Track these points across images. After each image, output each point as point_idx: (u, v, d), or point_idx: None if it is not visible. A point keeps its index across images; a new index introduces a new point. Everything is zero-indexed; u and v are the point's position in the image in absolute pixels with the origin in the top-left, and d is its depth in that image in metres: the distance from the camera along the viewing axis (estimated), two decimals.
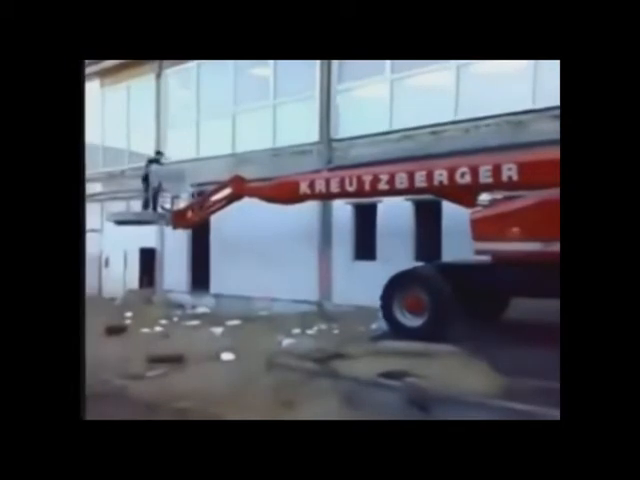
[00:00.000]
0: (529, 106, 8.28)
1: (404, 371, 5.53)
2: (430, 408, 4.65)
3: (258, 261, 11.26)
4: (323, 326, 8.75)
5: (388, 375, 5.46)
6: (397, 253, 8.79)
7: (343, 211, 10.35)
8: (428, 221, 9.19)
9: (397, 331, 7.51)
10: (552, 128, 6.68)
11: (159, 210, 11.44)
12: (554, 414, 3.18)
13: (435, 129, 9.32)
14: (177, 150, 13.62)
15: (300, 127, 11.26)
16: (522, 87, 8.32)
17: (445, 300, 7.23)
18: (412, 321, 7.40)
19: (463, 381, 5.17)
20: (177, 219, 11.22)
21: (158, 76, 13.93)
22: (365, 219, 10.08)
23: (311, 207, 10.30)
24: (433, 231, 9.07)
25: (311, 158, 10.74)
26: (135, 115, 14.79)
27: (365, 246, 10.06)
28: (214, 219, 12.05)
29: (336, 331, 8.39)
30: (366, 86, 10.52)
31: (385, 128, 9.94)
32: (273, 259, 11.01)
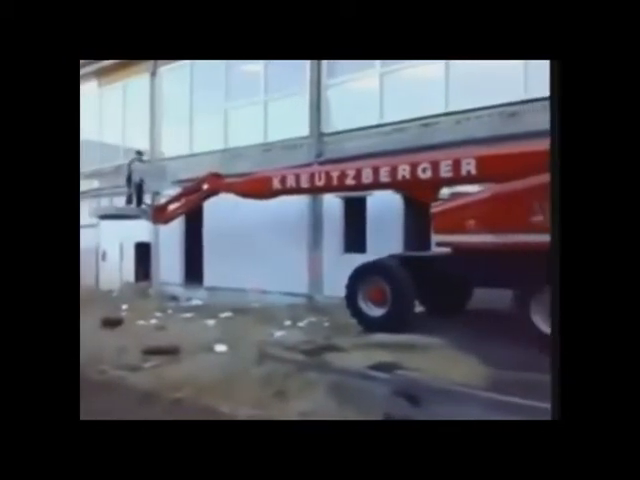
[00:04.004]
0: (521, 97, 8.24)
1: (394, 363, 5.64)
2: (420, 400, 4.69)
3: (250, 254, 11.36)
4: (313, 318, 8.83)
5: (378, 367, 5.55)
6: (387, 245, 8.88)
7: (333, 204, 10.42)
8: (417, 213, 9.30)
9: (360, 320, 7.72)
10: (546, 119, 6.70)
11: (142, 206, 11.73)
12: (542, 406, 3.24)
13: (426, 121, 9.37)
14: (171, 146, 13.70)
15: (291, 122, 11.29)
16: (514, 77, 8.24)
17: (406, 291, 7.40)
18: (375, 311, 7.59)
19: (452, 373, 5.26)
20: (157, 214, 11.62)
21: (153, 74, 13.96)
22: (355, 212, 10.14)
23: (301, 200, 10.40)
24: (422, 223, 9.19)
25: (302, 152, 10.82)
26: (131, 113, 14.86)
27: (355, 239, 10.13)
28: (206, 213, 12.16)
29: (326, 323, 8.47)
30: (356, 80, 10.53)
31: (376, 121, 9.99)
32: (264, 252, 11.10)
